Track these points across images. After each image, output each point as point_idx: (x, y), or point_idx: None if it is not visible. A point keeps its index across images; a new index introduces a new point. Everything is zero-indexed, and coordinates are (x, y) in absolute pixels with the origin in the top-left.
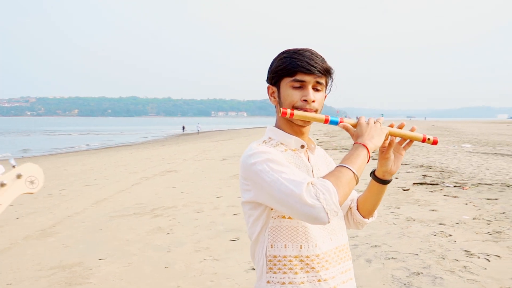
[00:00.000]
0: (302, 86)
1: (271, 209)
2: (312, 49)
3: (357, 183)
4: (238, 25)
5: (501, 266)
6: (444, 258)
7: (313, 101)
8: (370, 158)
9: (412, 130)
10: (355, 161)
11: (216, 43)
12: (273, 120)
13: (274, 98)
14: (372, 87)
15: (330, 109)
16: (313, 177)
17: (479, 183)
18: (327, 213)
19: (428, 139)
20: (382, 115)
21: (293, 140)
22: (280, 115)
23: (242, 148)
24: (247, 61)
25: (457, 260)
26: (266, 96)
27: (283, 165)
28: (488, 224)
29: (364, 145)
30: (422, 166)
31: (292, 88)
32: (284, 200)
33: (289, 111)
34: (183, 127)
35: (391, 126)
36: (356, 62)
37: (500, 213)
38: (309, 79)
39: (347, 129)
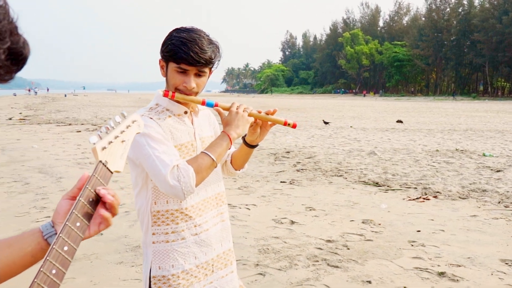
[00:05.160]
0: (185, 72)
1: None
2: (203, 34)
3: (215, 167)
4: None
5: (259, 212)
6: None
7: (193, 88)
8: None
9: (273, 113)
10: (217, 149)
11: None
12: None
13: (163, 71)
14: (72, 58)
15: (21, 80)
16: (195, 137)
17: None
18: (184, 194)
19: (289, 124)
20: (84, 88)
21: (176, 107)
22: (162, 95)
23: None
24: None
25: None
26: None
27: (159, 142)
28: (235, 181)
29: (228, 136)
30: None
31: (177, 72)
32: (152, 175)
33: (170, 93)
34: None
35: (259, 112)
36: (54, 30)
37: None
38: (191, 69)
39: (219, 113)
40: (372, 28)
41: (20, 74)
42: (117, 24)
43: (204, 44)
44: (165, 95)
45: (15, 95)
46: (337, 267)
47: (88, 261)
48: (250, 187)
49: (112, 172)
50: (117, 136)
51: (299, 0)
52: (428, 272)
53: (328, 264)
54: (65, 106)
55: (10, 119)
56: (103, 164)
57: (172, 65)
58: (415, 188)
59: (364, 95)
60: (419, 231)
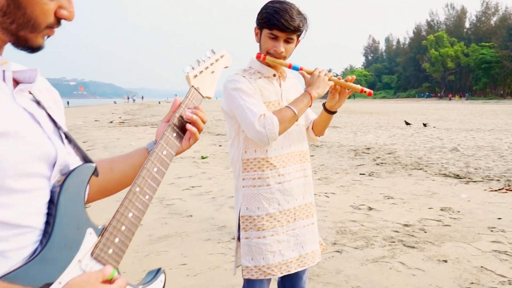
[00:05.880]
0: (276, 38)
1: None
2: (293, 5)
3: (297, 120)
4: None
5: (338, 199)
6: None
7: (282, 52)
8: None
9: (351, 80)
10: (299, 104)
11: None
12: None
13: (258, 38)
14: (163, 67)
15: (120, 89)
16: (281, 98)
17: None
18: (268, 139)
19: (365, 91)
20: (176, 95)
21: (266, 70)
22: (255, 57)
23: None
24: None
25: None
26: None
27: (249, 95)
28: (315, 173)
29: (310, 94)
30: None
31: (269, 38)
32: (242, 122)
33: (262, 55)
34: None
35: (339, 78)
36: (146, 42)
37: (320, 165)
38: (282, 35)
39: (303, 76)
40: (458, 30)
41: (118, 84)
42: (203, 31)
43: (294, 14)
44: (257, 57)
45: (115, 103)
46: (413, 247)
47: (179, 238)
48: (330, 178)
49: (203, 97)
50: (207, 67)
51: (381, 4)
52: (508, 254)
53: (404, 245)
54: (159, 111)
55: (111, 122)
56: (195, 88)
57: (265, 31)
58: (498, 180)
59: (450, 99)
60: (500, 218)
